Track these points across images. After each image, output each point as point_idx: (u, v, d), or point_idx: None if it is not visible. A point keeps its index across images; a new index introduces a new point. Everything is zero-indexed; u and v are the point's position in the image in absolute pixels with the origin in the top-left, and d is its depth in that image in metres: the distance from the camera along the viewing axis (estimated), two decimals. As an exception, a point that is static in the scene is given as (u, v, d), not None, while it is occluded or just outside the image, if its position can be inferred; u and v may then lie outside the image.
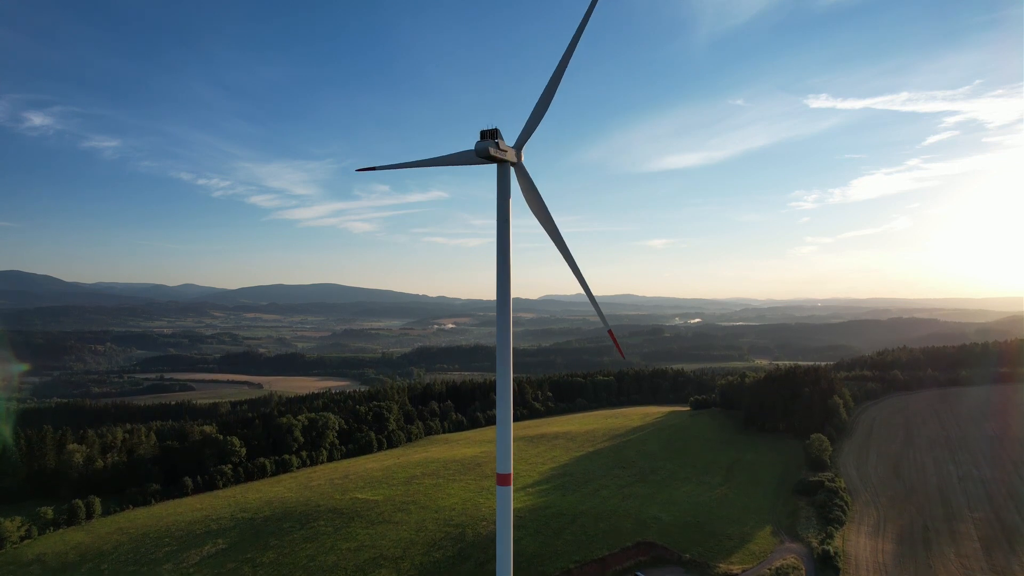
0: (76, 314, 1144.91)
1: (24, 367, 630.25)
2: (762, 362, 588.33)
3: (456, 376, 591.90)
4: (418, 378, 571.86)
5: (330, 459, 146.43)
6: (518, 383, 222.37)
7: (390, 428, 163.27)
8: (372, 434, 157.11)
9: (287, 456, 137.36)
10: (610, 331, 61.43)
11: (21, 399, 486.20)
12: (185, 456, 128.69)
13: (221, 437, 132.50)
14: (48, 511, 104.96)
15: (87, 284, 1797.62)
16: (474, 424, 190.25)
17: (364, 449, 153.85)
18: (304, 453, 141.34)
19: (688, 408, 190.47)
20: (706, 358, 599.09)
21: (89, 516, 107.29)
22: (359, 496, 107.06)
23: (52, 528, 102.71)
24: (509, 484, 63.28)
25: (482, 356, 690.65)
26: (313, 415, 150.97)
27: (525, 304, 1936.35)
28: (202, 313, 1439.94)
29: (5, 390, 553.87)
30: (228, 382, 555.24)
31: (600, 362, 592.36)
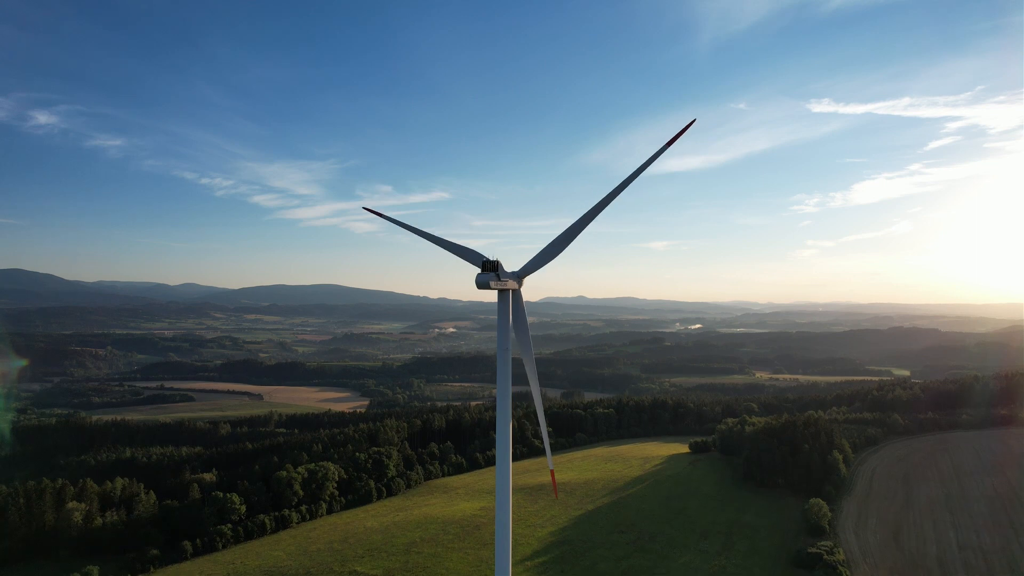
0: (78, 315, 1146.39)
1: (23, 362, 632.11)
2: (762, 375, 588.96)
3: (456, 388, 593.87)
4: (418, 389, 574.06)
5: (330, 511, 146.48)
6: (518, 420, 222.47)
7: (389, 475, 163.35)
8: (372, 483, 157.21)
9: (287, 512, 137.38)
10: (551, 471, 62.36)
11: (21, 409, 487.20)
12: (185, 516, 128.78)
13: (221, 495, 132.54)
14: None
15: (88, 283, 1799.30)
16: (473, 465, 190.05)
17: (364, 499, 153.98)
18: (304, 507, 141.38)
19: (687, 450, 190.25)
20: (706, 371, 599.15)
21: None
22: (358, 569, 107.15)
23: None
24: None
25: (482, 366, 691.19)
26: (313, 466, 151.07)
27: (527, 307, 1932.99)
28: (203, 314, 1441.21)
29: (6, 398, 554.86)
30: (228, 392, 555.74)
31: (601, 376, 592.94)
